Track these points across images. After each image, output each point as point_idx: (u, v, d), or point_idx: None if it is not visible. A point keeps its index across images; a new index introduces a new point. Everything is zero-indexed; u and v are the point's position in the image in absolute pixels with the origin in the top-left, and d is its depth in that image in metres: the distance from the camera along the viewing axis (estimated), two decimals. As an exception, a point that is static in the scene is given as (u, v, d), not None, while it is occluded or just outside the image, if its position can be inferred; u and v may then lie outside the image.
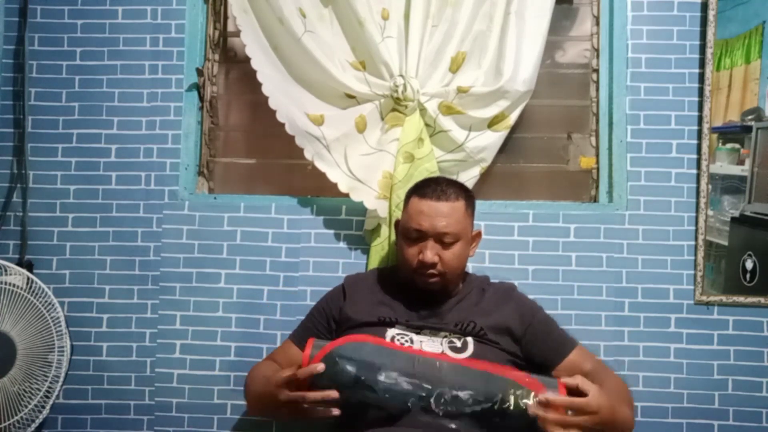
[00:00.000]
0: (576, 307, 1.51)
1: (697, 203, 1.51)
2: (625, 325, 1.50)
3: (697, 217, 1.51)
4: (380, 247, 1.49)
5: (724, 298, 1.49)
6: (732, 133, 1.50)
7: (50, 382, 1.45)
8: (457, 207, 1.26)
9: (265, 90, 1.52)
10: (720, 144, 1.51)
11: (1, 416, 1.42)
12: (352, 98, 1.52)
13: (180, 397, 1.54)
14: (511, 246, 1.53)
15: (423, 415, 1.02)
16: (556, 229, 1.53)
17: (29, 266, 1.56)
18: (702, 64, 1.52)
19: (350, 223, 1.56)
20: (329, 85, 1.51)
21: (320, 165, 1.49)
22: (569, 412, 1.02)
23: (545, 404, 1.00)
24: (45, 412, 1.45)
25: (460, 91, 1.47)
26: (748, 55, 1.49)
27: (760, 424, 1.47)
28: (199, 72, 1.62)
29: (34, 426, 1.45)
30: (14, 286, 1.47)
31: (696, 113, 1.53)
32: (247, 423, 1.53)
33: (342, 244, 1.56)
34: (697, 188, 1.51)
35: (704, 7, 1.52)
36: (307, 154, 1.50)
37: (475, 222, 1.34)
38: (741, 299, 1.49)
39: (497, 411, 1.01)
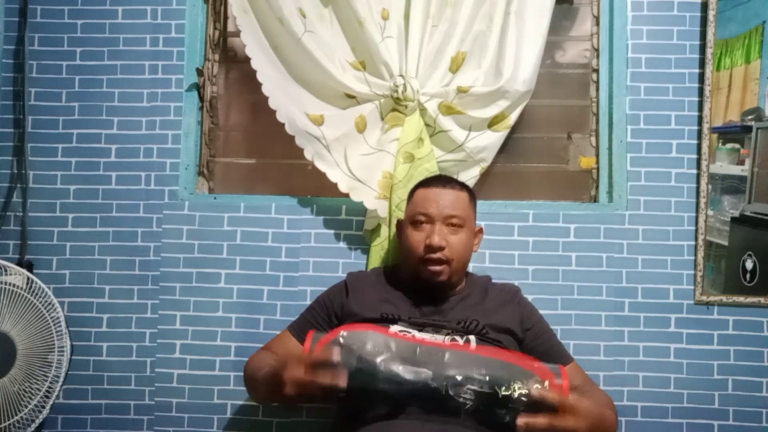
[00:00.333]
0: (576, 307, 1.51)
1: (697, 203, 1.51)
2: (625, 325, 1.50)
3: (697, 217, 1.51)
4: (380, 247, 1.49)
5: (724, 298, 1.49)
6: (732, 133, 1.50)
7: (50, 382, 1.45)
8: (461, 196, 1.29)
9: (265, 90, 1.52)
10: (720, 144, 1.51)
11: (1, 416, 1.42)
12: (352, 98, 1.52)
13: (180, 397, 1.54)
14: (511, 246, 1.53)
15: (425, 404, 1.00)
16: (556, 229, 1.53)
17: (29, 266, 1.56)
18: (702, 64, 1.52)
19: (350, 223, 1.56)
20: (329, 85, 1.51)
21: (320, 165, 1.49)
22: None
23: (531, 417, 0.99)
24: (45, 412, 1.45)
25: (460, 91, 1.47)
26: (748, 55, 1.49)
27: (760, 424, 1.47)
28: (199, 72, 1.62)
29: (34, 426, 1.45)
30: (14, 286, 1.47)
31: (696, 113, 1.53)
32: (247, 423, 1.53)
33: (342, 244, 1.56)
34: (697, 188, 1.51)
35: (704, 7, 1.52)
36: (307, 154, 1.50)
37: (477, 223, 1.35)
38: (741, 299, 1.49)
39: (500, 399, 0.99)
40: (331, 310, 1.32)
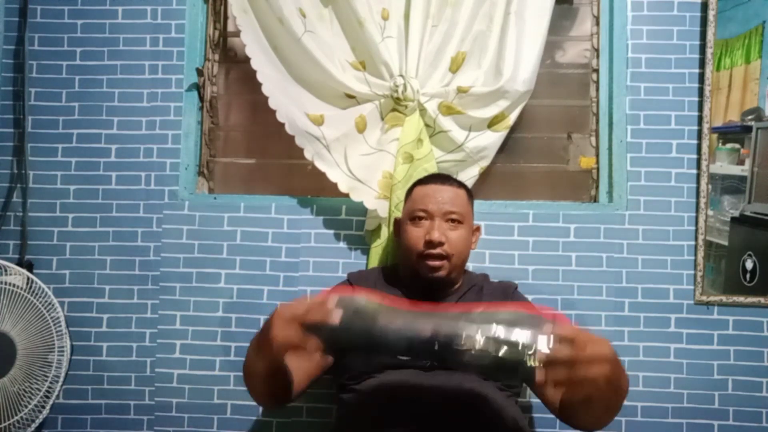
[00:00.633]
0: (576, 307, 1.51)
1: (697, 203, 1.51)
2: (625, 325, 1.50)
3: (697, 217, 1.51)
4: (380, 247, 1.49)
5: (724, 298, 1.49)
6: (732, 133, 1.50)
7: (50, 382, 1.45)
8: (460, 193, 1.29)
9: (265, 90, 1.52)
10: (720, 144, 1.51)
11: (1, 416, 1.42)
12: (352, 98, 1.52)
13: (180, 397, 1.54)
14: (511, 246, 1.53)
15: (425, 358, 0.93)
16: (556, 229, 1.53)
17: (29, 266, 1.56)
18: (702, 64, 1.52)
19: (350, 223, 1.56)
20: (329, 85, 1.51)
21: (320, 165, 1.49)
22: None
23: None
24: (45, 412, 1.45)
25: (460, 91, 1.47)
26: (748, 55, 1.49)
27: (760, 424, 1.47)
28: (199, 72, 1.62)
29: (34, 426, 1.45)
30: (14, 286, 1.47)
31: (696, 113, 1.53)
32: (247, 423, 1.53)
33: (342, 244, 1.56)
34: (697, 188, 1.51)
35: (704, 7, 1.52)
36: (307, 154, 1.50)
37: (474, 222, 1.34)
38: (741, 299, 1.49)
39: (512, 350, 0.88)
40: None
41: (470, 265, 1.43)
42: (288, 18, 1.48)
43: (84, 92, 1.61)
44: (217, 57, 1.67)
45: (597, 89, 1.60)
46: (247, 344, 1.51)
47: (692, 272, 1.51)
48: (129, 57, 1.61)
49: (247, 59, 1.53)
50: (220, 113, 1.68)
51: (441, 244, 1.22)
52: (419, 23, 1.47)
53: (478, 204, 1.38)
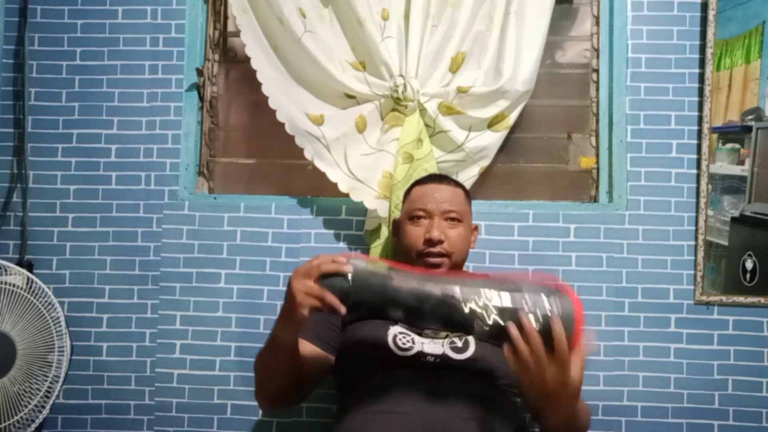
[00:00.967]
0: (576, 307, 1.51)
1: (697, 203, 1.51)
2: (625, 325, 1.50)
3: (697, 217, 1.51)
4: (380, 247, 1.49)
5: (724, 298, 1.49)
6: (732, 133, 1.50)
7: (50, 382, 1.45)
8: (458, 192, 1.30)
9: (265, 90, 1.52)
10: (720, 144, 1.51)
11: (1, 416, 1.42)
12: (352, 98, 1.52)
13: (180, 397, 1.54)
14: (511, 246, 1.53)
15: (437, 317, 0.91)
16: (556, 229, 1.53)
17: (29, 266, 1.56)
18: (702, 64, 1.52)
19: (350, 223, 1.56)
20: (329, 85, 1.51)
21: (320, 165, 1.50)
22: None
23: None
24: (45, 412, 1.45)
25: (460, 91, 1.47)
26: (748, 55, 1.49)
27: (760, 424, 1.47)
28: (199, 72, 1.62)
29: (34, 426, 1.45)
30: (14, 286, 1.47)
31: (696, 113, 1.53)
32: (247, 423, 1.53)
33: (342, 244, 1.56)
34: (697, 188, 1.51)
35: (704, 7, 1.52)
36: (307, 154, 1.50)
37: (473, 222, 1.34)
38: (741, 299, 1.49)
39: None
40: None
41: (470, 266, 1.43)
42: (288, 18, 1.48)
43: (84, 92, 1.61)
44: (217, 57, 1.68)
45: (597, 89, 1.60)
46: (247, 344, 1.53)
47: (692, 272, 1.51)
48: (129, 57, 1.61)
49: (247, 59, 1.53)
50: (220, 113, 1.68)
51: (440, 242, 1.22)
52: (419, 23, 1.47)
53: (478, 204, 1.38)
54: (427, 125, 1.50)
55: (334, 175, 1.49)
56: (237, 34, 1.55)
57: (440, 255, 1.23)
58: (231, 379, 1.54)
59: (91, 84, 1.61)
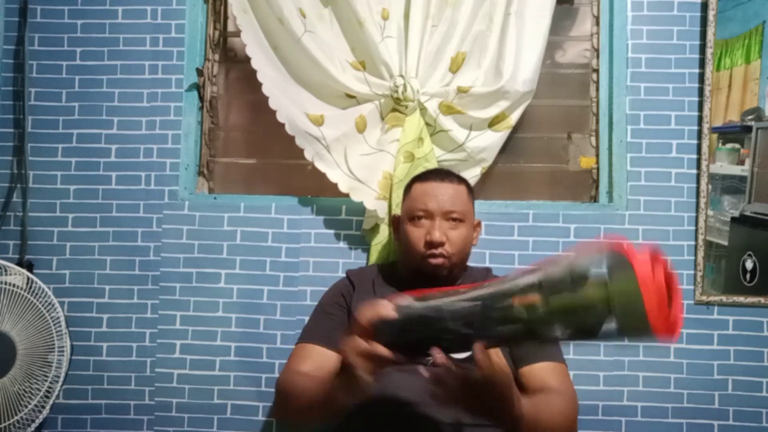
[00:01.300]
0: (576, 307, 1.50)
1: (697, 203, 1.51)
2: (625, 325, 1.50)
3: (697, 217, 1.51)
4: (380, 245, 1.49)
5: (724, 298, 1.49)
6: (732, 133, 1.50)
7: (50, 382, 1.45)
8: (460, 190, 1.26)
9: (265, 90, 1.52)
10: (720, 144, 1.51)
11: (1, 416, 1.42)
12: (352, 98, 1.52)
13: (180, 397, 1.54)
14: (511, 246, 1.53)
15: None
16: (556, 229, 1.53)
17: (29, 266, 1.56)
18: (702, 64, 1.52)
19: (350, 223, 1.56)
20: (329, 85, 1.51)
21: (320, 165, 1.49)
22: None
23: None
24: (45, 412, 1.45)
25: (460, 91, 1.47)
26: (748, 55, 1.49)
27: (760, 424, 1.47)
28: (199, 72, 1.62)
29: (34, 426, 1.45)
30: (14, 286, 1.47)
31: (696, 113, 1.53)
32: (247, 423, 1.53)
33: (342, 244, 1.56)
34: (697, 188, 1.51)
35: (704, 7, 1.52)
36: (307, 155, 1.50)
37: (476, 218, 1.33)
38: (741, 299, 1.49)
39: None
40: (345, 308, 1.26)
41: (471, 265, 1.43)
42: (288, 18, 1.48)
43: (84, 92, 1.61)
44: (217, 57, 1.67)
45: (597, 89, 1.60)
46: (247, 344, 1.53)
47: (692, 272, 1.50)
48: (129, 57, 1.61)
49: (247, 59, 1.53)
50: (220, 113, 1.68)
51: (442, 244, 1.20)
52: (419, 23, 1.47)
53: (478, 204, 1.37)
54: (427, 124, 1.50)
55: (334, 175, 1.49)
56: (237, 34, 1.55)
57: (442, 255, 1.21)
58: (231, 379, 1.54)
59: (91, 84, 1.61)
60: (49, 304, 1.47)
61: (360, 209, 1.51)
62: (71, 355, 1.51)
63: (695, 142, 1.52)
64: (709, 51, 1.50)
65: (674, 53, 1.54)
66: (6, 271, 1.48)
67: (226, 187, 1.67)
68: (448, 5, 1.49)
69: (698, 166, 1.52)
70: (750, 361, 1.48)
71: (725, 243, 1.49)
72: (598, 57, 1.60)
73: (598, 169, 1.59)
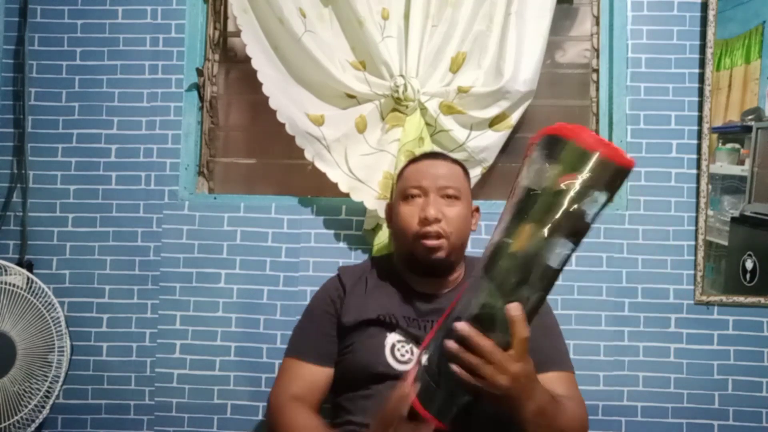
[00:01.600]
0: (576, 307, 1.51)
1: (697, 203, 1.51)
2: (625, 325, 1.50)
3: (697, 217, 1.51)
4: (381, 246, 1.49)
5: (724, 298, 1.49)
6: (732, 133, 1.50)
7: (50, 382, 1.45)
8: (455, 169, 1.21)
9: (266, 90, 1.52)
10: (720, 144, 1.51)
11: (1, 416, 1.42)
12: (352, 98, 1.52)
13: (180, 397, 1.54)
14: (511, 246, 1.53)
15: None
16: (556, 229, 1.53)
17: (29, 266, 1.56)
18: (702, 64, 1.52)
19: (350, 223, 1.56)
20: (329, 85, 1.51)
21: (320, 165, 1.49)
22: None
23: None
24: (45, 412, 1.45)
25: (461, 91, 1.47)
26: (748, 55, 1.49)
27: (760, 424, 1.47)
28: (199, 72, 1.62)
29: (34, 426, 1.45)
30: (14, 286, 1.47)
31: (696, 113, 1.53)
32: (247, 423, 1.53)
33: (342, 244, 1.56)
34: (697, 188, 1.51)
35: (704, 7, 1.52)
36: (308, 155, 1.50)
37: (473, 203, 1.29)
38: (741, 299, 1.49)
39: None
40: (334, 316, 1.21)
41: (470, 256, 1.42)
42: (288, 18, 1.48)
43: (84, 92, 1.61)
44: (217, 57, 1.67)
45: (597, 89, 1.60)
46: (247, 344, 1.53)
47: (692, 272, 1.51)
48: (129, 57, 1.61)
49: (247, 59, 1.53)
50: (220, 113, 1.68)
51: (438, 220, 1.11)
52: (419, 23, 1.47)
53: (478, 204, 1.37)
54: (428, 124, 1.50)
55: (334, 175, 1.49)
56: (237, 34, 1.55)
57: (438, 236, 1.12)
58: (231, 379, 1.54)
59: (91, 84, 1.61)
60: (49, 304, 1.47)
61: (360, 209, 1.51)
62: (71, 355, 1.51)
63: (695, 142, 1.52)
64: (709, 51, 1.50)
65: (674, 53, 1.54)
66: (6, 271, 1.48)
67: (226, 187, 1.67)
68: (448, 5, 1.49)
69: (698, 166, 1.52)
70: (750, 361, 1.48)
71: (725, 243, 1.49)
72: (598, 57, 1.60)
73: (598, 169, 1.59)
